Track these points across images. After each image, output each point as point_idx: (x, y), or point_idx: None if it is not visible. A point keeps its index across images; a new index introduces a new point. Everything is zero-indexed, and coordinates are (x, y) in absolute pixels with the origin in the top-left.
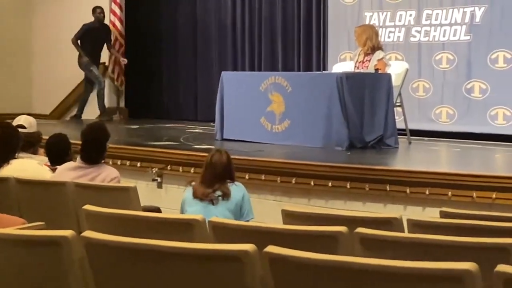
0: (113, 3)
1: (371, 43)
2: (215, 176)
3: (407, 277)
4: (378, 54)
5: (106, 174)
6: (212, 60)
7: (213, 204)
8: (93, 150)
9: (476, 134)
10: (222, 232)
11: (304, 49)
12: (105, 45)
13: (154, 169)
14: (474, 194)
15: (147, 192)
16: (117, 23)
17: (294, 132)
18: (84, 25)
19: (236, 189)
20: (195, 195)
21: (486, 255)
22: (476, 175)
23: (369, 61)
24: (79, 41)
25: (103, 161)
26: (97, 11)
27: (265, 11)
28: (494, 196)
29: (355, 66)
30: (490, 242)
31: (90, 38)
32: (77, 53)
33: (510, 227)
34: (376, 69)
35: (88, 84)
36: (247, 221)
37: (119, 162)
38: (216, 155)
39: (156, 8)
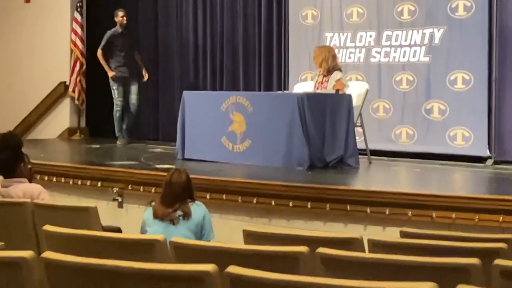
0: (74, 22)
1: (327, 65)
2: (175, 196)
3: None
4: (336, 75)
5: (27, 190)
6: (174, 80)
7: (173, 224)
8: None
9: (435, 155)
10: (183, 252)
11: (265, 69)
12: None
13: (114, 188)
14: (434, 214)
15: (108, 212)
16: (78, 42)
17: (255, 151)
18: (107, 32)
19: (197, 209)
20: (155, 215)
21: (446, 275)
22: (435, 195)
23: (327, 82)
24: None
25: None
26: (119, 14)
27: (227, 31)
28: (453, 216)
29: (314, 87)
30: (450, 262)
31: (117, 46)
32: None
33: (470, 247)
34: (337, 90)
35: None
36: (208, 241)
37: (79, 182)
38: (175, 174)
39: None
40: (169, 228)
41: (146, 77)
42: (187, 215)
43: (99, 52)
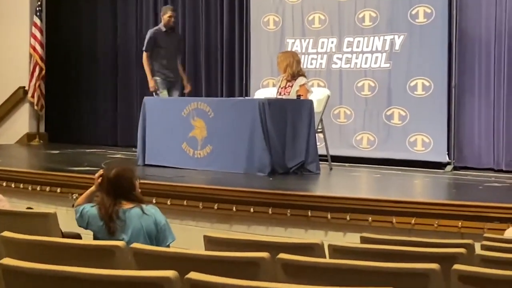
0: (33, 27)
1: (291, 70)
2: (118, 189)
3: None
4: (300, 81)
5: None
6: (133, 85)
7: (119, 227)
8: None
9: (396, 160)
10: (143, 258)
11: (227, 75)
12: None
13: (74, 194)
14: (394, 219)
15: (67, 218)
16: (38, 47)
17: (216, 157)
18: (148, 31)
19: (146, 218)
20: (101, 214)
21: (405, 280)
22: (395, 201)
23: (291, 87)
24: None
25: None
26: (167, 13)
27: (188, 37)
28: (413, 221)
29: (277, 92)
30: (409, 268)
31: (160, 46)
32: None
33: (429, 253)
34: (298, 95)
35: None
36: (168, 244)
37: (38, 188)
38: (118, 169)
39: (77, 33)
40: (115, 232)
41: (188, 88)
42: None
43: (144, 55)
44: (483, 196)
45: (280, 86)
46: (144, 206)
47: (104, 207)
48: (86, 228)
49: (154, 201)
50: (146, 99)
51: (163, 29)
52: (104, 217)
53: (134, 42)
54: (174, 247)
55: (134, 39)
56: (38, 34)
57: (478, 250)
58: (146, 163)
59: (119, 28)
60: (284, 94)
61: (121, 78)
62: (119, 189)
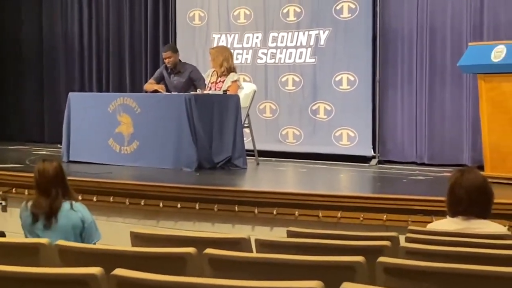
0: None
1: (227, 64)
2: (48, 183)
3: None
4: (233, 76)
5: None
6: (59, 81)
7: (51, 224)
8: None
9: (321, 155)
10: (69, 255)
11: (151, 71)
12: None
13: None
14: (320, 213)
15: None
16: None
17: (143, 153)
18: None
19: (73, 214)
20: (34, 210)
21: (332, 273)
22: (321, 195)
23: (223, 82)
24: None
25: None
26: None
27: (113, 33)
28: (339, 215)
29: (208, 87)
30: (335, 261)
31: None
32: None
33: (355, 246)
34: (225, 91)
35: None
36: (93, 243)
37: None
38: (46, 162)
39: (1, 31)
40: (45, 234)
41: None
42: (54, 218)
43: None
44: (407, 189)
45: (210, 81)
46: (73, 202)
47: (39, 203)
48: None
49: (80, 198)
50: (71, 94)
51: (167, 69)
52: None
53: (60, 37)
54: (100, 244)
55: (60, 34)
56: None
57: (402, 242)
58: (71, 159)
59: (44, 26)
60: (215, 89)
61: (47, 75)
62: (56, 181)
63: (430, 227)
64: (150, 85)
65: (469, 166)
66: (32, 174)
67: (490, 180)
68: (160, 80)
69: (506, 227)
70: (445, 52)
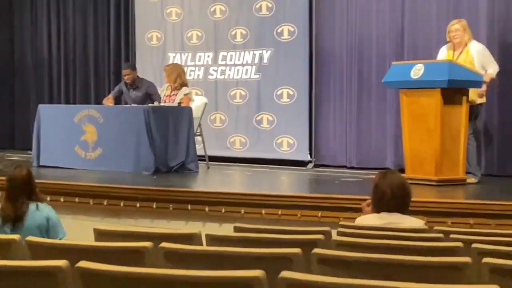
0: None
1: (181, 80)
2: (18, 189)
3: (206, 285)
4: (185, 90)
5: None
6: (29, 90)
7: (18, 227)
8: None
9: (265, 160)
10: (38, 250)
11: (114, 85)
12: None
13: None
14: (263, 211)
15: None
16: None
17: (106, 158)
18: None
19: (38, 214)
20: (3, 214)
21: (272, 263)
22: (265, 195)
23: (176, 95)
24: None
25: None
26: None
27: (79, 49)
28: (280, 212)
29: (162, 100)
30: (276, 252)
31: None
32: None
33: (293, 239)
34: (179, 103)
35: None
36: (59, 239)
37: None
38: (17, 169)
39: None
40: (15, 230)
41: None
42: (20, 222)
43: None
44: (339, 190)
45: (165, 94)
46: (39, 203)
47: (7, 207)
48: None
49: (48, 199)
50: (40, 106)
51: (127, 85)
52: (9, 215)
53: (30, 53)
54: (66, 239)
55: (30, 50)
56: None
57: (334, 236)
58: (41, 164)
59: (15, 37)
60: (169, 101)
61: (18, 85)
62: (24, 187)
63: (358, 221)
64: (107, 100)
65: (391, 169)
66: (4, 177)
67: (410, 181)
68: (119, 95)
69: (424, 222)
70: (371, 70)
